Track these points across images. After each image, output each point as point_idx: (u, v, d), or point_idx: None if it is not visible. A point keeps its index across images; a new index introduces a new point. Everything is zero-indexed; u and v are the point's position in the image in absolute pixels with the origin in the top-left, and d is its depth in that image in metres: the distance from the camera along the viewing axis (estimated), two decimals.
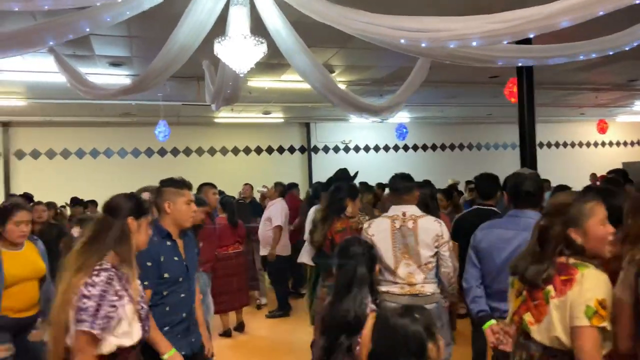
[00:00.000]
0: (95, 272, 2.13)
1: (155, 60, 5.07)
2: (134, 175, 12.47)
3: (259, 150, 14.22)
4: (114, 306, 2.11)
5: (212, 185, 5.60)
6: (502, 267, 2.85)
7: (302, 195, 9.29)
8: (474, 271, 3.09)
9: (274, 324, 6.84)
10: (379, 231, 3.48)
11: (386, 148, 15.21)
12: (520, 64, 5.33)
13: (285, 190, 7.89)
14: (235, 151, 13.99)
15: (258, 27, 4.46)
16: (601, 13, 2.81)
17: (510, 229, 2.95)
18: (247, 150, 14.10)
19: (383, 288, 3.44)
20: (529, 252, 2.16)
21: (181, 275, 2.85)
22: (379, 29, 3.49)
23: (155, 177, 11.78)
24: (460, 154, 15.82)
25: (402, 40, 3.43)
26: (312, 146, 14.51)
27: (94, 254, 2.18)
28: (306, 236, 5.98)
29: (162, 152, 13.24)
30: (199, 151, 13.65)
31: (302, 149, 14.58)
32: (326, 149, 14.70)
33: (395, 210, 3.54)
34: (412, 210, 3.52)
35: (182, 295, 2.85)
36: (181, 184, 2.93)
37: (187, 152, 13.53)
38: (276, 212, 7.17)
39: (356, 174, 6.02)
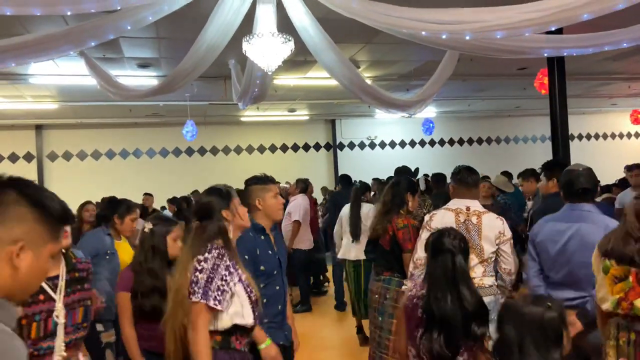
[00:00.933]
0: (207, 249, 2.23)
1: (183, 61, 5.12)
2: (162, 174, 12.68)
3: (284, 148, 14.26)
4: (225, 280, 2.18)
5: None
6: (556, 258, 2.98)
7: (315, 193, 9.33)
8: (532, 263, 3.17)
9: (298, 318, 6.83)
10: (442, 224, 3.40)
11: (412, 143, 15.08)
12: (546, 55, 5.19)
13: (306, 187, 7.94)
14: (261, 149, 14.06)
15: (284, 25, 4.47)
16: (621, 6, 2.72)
17: (563, 222, 3.01)
18: (272, 148, 14.15)
19: None
20: (624, 233, 2.18)
21: (275, 269, 2.91)
22: (408, 23, 3.45)
23: (183, 176, 12.03)
24: (488, 148, 15.57)
25: (423, 33, 3.38)
26: (337, 143, 14.48)
27: (201, 244, 2.27)
28: (337, 231, 6.02)
29: (189, 152, 13.40)
30: (226, 150, 13.76)
31: (327, 146, 14.56)
32: (352, 146, 14.65)
33: (458, 203, 3.51)
34: (475, 205, 3.51)
35: (277, 287, 2.91)
36: (265, 180, 2.99)
37: (214, 151, 13.66)
38: (296, 207, 7.30)
39: (417, 169, 6.11)
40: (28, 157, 12.42)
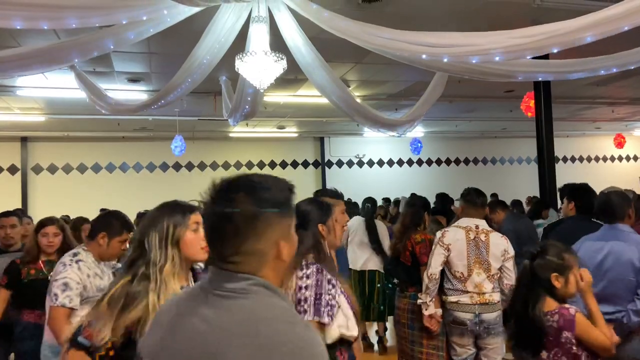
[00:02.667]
0: (304, 265, 2.15)
1: (175, 77, 5.13)
2: (149, 189, 12.57)
3: (272, 165, 14.26)
4: (331, 294, 2.12)
5: None
6: (594, 274, 3.21)
7: None
8: None
9: None
10: (454, 240, 3.72)
11: (400, 162, 15.17)
12: (540, 79, 5.30)
13: None
14: (250, 165, 14.04)
15: (276, 43, 4.50)
16: (626, 28, 2.80)
17: (600, 241, 3.24)
18: (261, 165, 14.14)
19: (452, 298, 3.71)
20: None
21: None
22: (399, 45, 3.50)
23: (170, 191, 11.93)
24: (475, 168, 15.72)
25: (423, 56, 3.43)
26: (326, 160, 14.52)
27: (295, 258, 2.18)
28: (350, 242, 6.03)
29: (176, 167, 13.33)
30: (214, 165, 13.72)
31: (315, 164, 14.59)
32: (340, 164, 14.70)
33: (468, 222, 3.79)
34: (483, 224, 3.81)
35: None
36: (337, 195, 2.91)
37: (202, 166, 13.61)
38: None
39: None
40: (12, 170, 12.25)
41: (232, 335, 1.07)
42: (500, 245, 3.69)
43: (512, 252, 3.73)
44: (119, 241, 2.81)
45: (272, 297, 1.14)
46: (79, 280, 2.70)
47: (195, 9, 3.98)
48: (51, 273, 3.40)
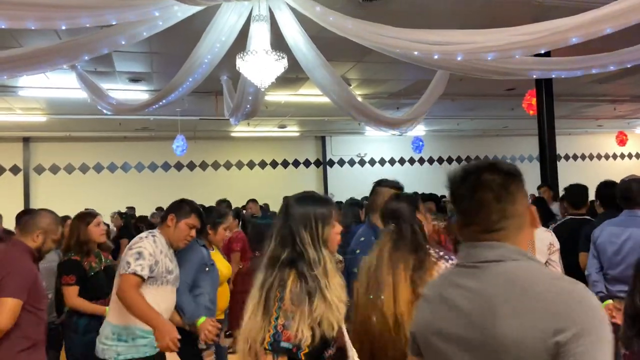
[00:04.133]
0: (434, 260, 2.18)
1: (176, 76, 5.13)
2: (151, 189, 12.59)
3: (274, 164, 14.26)
4: None
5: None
6: (612, 257, 3.47)
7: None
8: (593, 261, 3.61)
9: None
10: None
11: (402, 161, 15.16)
12: (535, 76, 5.29)
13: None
14: (251, 165, 14.05)
15: (277, 42, 4.50)
16: (634, 22, 2.79)
17: (620, 226, 3.45)
18: (262, 164, 14.15)
19: None
20: None
21: None
22: (401, 43, 3.50)
23: (172, 191, 11.96)
24: None
25: (421, 54, 3.43)
26: (327, 159, 14.52)
27: (416, 252, 2.22)
28: None
29: (178, 166, 13.35)
30: (215, 165, 13.73)
31: (317, 163, 14.59)
32: (341, 162, 14.69)
33: None
34: None
35: None
36: (399, 186, 2.98)
37: (204, 166, 13.62)
38: None
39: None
40: (14, 170, 12.28)
41: (506, 291, 1.14)
42: (545, 239, 3.67)
43: (557, 245, 3.74)
44: (186, 224, 2.91)
45: (530, 261, 1.21)
46: (152, 252, 2.75)
47: (195, 8, 3.98)
48: (103, 263, 3.64)
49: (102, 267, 3.63)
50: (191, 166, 13.48)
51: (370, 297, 2.20)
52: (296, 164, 14.45)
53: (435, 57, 3.75)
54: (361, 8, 4.93)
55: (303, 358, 1.68)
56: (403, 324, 2.07)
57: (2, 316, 2.56)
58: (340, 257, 3.63)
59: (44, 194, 12.15)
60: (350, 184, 13.57)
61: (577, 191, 4.59)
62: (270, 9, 4.28)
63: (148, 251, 2.72)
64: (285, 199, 1.99)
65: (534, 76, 5.68)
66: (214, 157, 13.69)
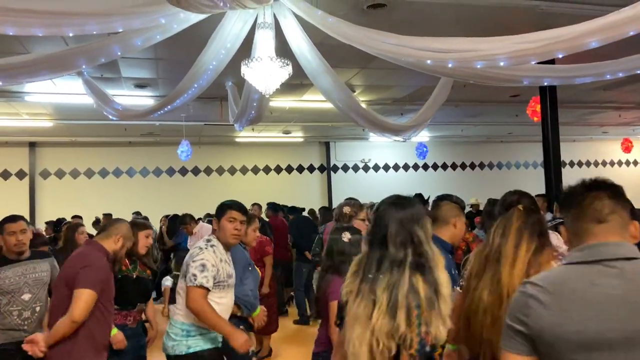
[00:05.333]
0: (553, 251, 2.24)
1: (181, 83, 5.17)
2: (155, 194, 12.65)
3: (278, 170, 14.29)
4: None
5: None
6: None
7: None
8: None
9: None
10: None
11: (406, 167, 15.17)
12: (546, 84, 5.29)
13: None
14: (255, 170, 14.08)
15: (282, 49, 4.53)
16: (632, 33, 2.80)
17: None
18: (267, 170, 14.18)
19: None
20: None
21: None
22: (405, 50, 3.52)
23: (176, 196, 11.94)
24: (480, 173, 15.69)
25: (429, 61, 3.44)
26: (331, 165, 14.54)
27: (540, 237, 2.23)
28: None
29: (183, 172, 13.39)
30: (220, 170, 13.77)
31: (321, 168, 14.62)
32: (345, 168, 14.71)
33: None
34: None
35: None
36: (459, 200, 2.99)
37: (208, 171, 13.66)
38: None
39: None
40: (20, 175, 12.35)
41: None
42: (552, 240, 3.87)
43: (564, 248, 3.80)
44: (227, 220, 3.03)
45: None
46: (214, 263, 2.89)
47: (202, 16, 4.01)
48: (136, 272, 3.61)
49: (134, 276, 3.55)
50: (196, 171, 13.52)
51: (484, 277, 2.18)
52: (300, 169, 14.48)
53: (450, 65, 3.76)
54: (365, 15, 4.96)
55: (438, 358, 1.81)
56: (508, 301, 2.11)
57: (77, 307, 2.62)
58: None
59: (49, 199, 12.22)
60: (354, 190, 13.56)
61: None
62: (275, 17, 4.31)
63: (210, 262, 2.88)
64: (381, 203, 2.04)
65: (546, 83, 5.69)
66: (219, 162, 13.73)
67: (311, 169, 14.57)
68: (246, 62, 4.20)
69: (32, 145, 12.28)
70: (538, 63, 4.24)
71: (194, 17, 3.98)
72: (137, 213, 9.89)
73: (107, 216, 9.28)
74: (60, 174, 12.63)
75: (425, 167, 15.24)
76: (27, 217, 10.40)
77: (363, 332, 1.80)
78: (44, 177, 12.52)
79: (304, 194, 13.51)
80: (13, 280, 3.46)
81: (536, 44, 3.20)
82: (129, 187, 12.89)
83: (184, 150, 9.96)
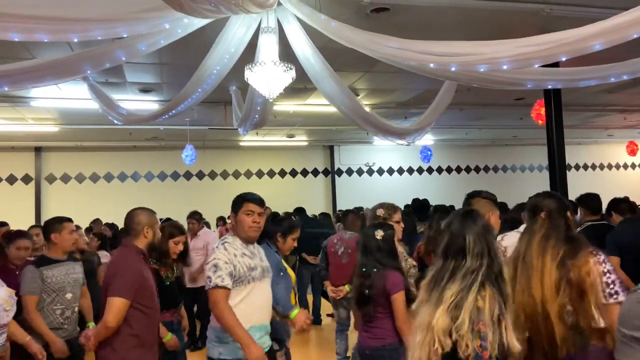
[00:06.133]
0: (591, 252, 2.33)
1: (186, 87, 5.19)
2: (160, 198, 12.66)
3: (282, 174, 14.30)
4: None
5: None
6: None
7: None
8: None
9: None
10: (512, 244, 4.07)
11: (410, 170, 15.14)
12: (549, 87, 5.28)
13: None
14: (260, 174, 14.10)
15: (285, 53, 4.54)
16: (635, 36, 2.79)
17: None
18: (271, 174, 14.19)
19: None
20: None
21: None
22: (408, 54, 3.52)
23: (181, 200, 12.00)
24: (485, 176, 15.65)
25: (432, 65, 3.44)
26: (335, 169, 14.53)
27: (569, 243, 2.35)
28: None
29: (187, 176, 13.42)
30: (224, 174, 13.79)
31: (325, 172, 14.61)
32: (350, 172, 14.70)
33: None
34: None
35: None
36: (489, 194, 3.07)
37: (212, 175, 13.68)
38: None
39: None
40: (26, 179, 12.41)
41: None
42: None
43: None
44: (244, 213, 2.98)
45: None
46: (226, 260, 2.83)
47: (206, 21, 4.03)
48: (175, 274, 3.94)
49: (174, 278, 3.90)
50: (200, 175, 13.55)
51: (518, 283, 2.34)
52: (304, 173, 14.48)
53: (453, 68, 3.75)
54: (368, 19, 4.97)
55: None
56: (547, 306, 2.21)
57: (110, 315, 2.73)
58: (414, 262, 3.86)
59: (55, 203, 12.27)
60: (358, 194, 13.58)
61: (594, 198, 4.89)
62: (278, 21, 4.33)
63: (222, 260, 2.82)
64: (452, 217, 2.14)
65: (549, 86, 5.66)
66: (223, 166, 13.76)
67: (315, 172, 14.57)
68: (250, 66, 4.22)
69: (37, 150, 12.35)
70: (542, 66, 4.23)
71: (198, 22, 4.00)
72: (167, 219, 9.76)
73: (96, 221, 9.23)
74: (65, 178, 12.68)
75: (430, 170, 15.22)
76: (32, 221, 10.48)
77: (424, 336, 1.90)
78: (50, 182, 12.58)
79: (308, 198, 13.51)
80: (59, 279, 3.62)
81: (540, 47, 3.19)
82: (133, 191, 12.93)
83: (188, 155, 9.99)
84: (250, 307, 2.84)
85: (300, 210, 8.65)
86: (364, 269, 3.16)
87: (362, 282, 3.14)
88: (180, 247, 3.89)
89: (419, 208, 7.32)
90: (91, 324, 3.79)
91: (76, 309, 3.73)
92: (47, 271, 3.56)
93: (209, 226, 8.39)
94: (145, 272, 2.97)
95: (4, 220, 6.35)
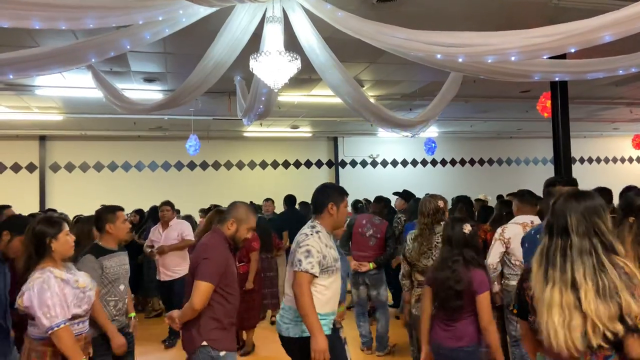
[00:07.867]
0: None
1: (190, 77, 5.16)
2: (164, 188, 12.68)
3: (286, 165, 14.29)
4: None
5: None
6: None
7: None
8: None
9: None
10: (514, 235, 4.11)
11: (414, 163, 15.10)
12: (557, 79, 5.24)
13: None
14: (263, 165, 14.09)
15: (290, 43, 4.51)
16: None
17: None
18: (274, 164, 14.18)
19: (512, 282, 4.09)
20: None
21: None
22: (415, 45, 3.48)
23: (184, 190, 11.98)
24: (490, 169, 15.60)
25: (439, 56, 3.41)
26: (339, 160, 14.50)
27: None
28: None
29: (191, 166, 13.42)
30: (228, 165, 13.78)
31: (329, 163, 14.59)
32: (353, 163, 14.67)
33: (524, 219, 4.21)
34: (537, 219, 4.15)
35: None
36: (570, 180, 3.21)
37: (216, 165, 13.68)
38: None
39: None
40: (30, 168, 12.44)
41: None
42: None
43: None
44: (345, 206, 3.17)
45: None
46: (319, 249, 2.94)
47: (211, 10, 4.00)
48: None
49: None
50: (204, 166, 13.55)
51: None
52: (308, 164, 14.47)
53: (460, 59, 3.72)
54: (375, 9, 4.93)
55: None
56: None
57: (196, 297, 2.87)
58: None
59: (59, 192, 12.31)
60: (362, 185, 13.55)
61: (606, 192, 4.77)
62: (284, 10, 4.29)
63: (316, 248, 2.94)
64: (558, 196, 2.14)
65: (557, 78, 5.61)
66: (227, 157, 13.75)
67: (319, 164, 14.55)
68: (255, 56, 4.19)
69: (42, 138, 12.36)
70: (549, 58, 4.20)
71: (203, 11, 3.97)
72: (139, 210, 9.68)
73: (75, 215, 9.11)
74: (70, 167, 12.71)
75: (434, 162, 15.17)
76: (37, 210, 10.51)
77: (566, 319, 1.89)
78: (54, 171, 12.60)
79: (311, 189, 13.39)
80: (115, 270, 3.58)
81: (548, 38, 3.16)
82: (137, 181, 12.95)
83: (192, 145, 9.98)
84: (332, 294, 3.02)
85: (290, 200, 8.50)
86: (449, 263, 3.09)
87: (448, 277, 3.05)
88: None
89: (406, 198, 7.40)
90: (132, 315, 3.76)
91: (126, 300, 3.66)
92: (106, 262, 3.49)
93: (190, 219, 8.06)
94: (230, 259, 3.10)
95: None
